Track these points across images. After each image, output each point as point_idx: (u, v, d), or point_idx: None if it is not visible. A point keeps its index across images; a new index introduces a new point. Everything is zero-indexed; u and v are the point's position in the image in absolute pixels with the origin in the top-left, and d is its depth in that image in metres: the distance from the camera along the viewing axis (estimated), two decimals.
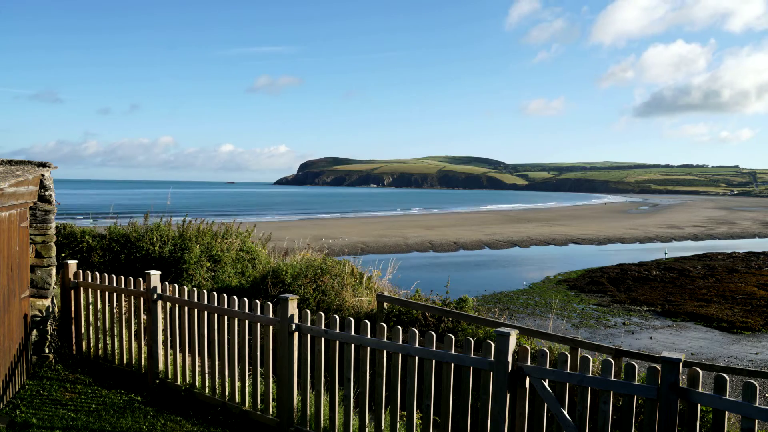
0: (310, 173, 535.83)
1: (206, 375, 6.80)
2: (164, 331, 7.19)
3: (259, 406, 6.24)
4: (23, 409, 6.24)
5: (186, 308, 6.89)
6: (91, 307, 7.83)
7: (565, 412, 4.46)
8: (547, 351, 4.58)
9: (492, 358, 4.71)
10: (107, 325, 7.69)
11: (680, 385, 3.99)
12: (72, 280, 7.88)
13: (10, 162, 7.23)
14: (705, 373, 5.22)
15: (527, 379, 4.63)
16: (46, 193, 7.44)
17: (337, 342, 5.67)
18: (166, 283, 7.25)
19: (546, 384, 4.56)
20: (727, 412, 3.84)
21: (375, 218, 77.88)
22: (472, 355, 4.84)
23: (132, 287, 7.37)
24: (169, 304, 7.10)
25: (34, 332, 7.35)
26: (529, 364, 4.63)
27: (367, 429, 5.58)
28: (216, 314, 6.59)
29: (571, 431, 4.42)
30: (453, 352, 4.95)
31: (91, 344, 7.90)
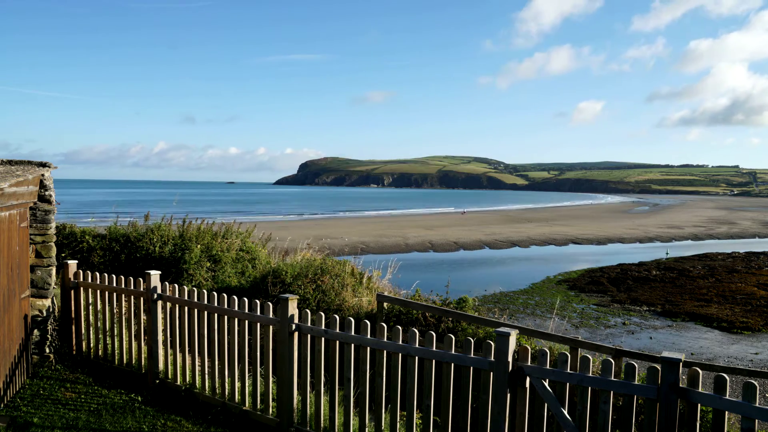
0: (310, 173, 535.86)
1: (206, 375, 6.80)
2: (164, 331, 7.19)
3: (259, 406, 6.24)
4: (24, 408, 6.24)
5: (186, 308, 6.89)
6: (91, 307, 7.83)
7: (566, 412, 4.46)
8: (548, 351, 4.58)
9: (492, 358, 4.71)
10: (107, 325, 7.69)
11: (680, 385, 3.99)
12: (72, 280, 7.88)
13: (10, 162, 7.23)
14: (705, 373, 5.22)
15: (527, 379, 4.64)
16: (46, 193, 7.44)
17: (337, 342, 5.67)
18: (166, 283, 7.25)
19: (546, 384, 4.56)
20: (727, 412, 3.84)
21: (375, 218, 77.88)
22: (472, 355, 4.84)
23: (132, 287, 7.37)
24: (169, 304, 7.10)
25: (35, 332, 7.35)
26: (529, 364, 4.63)
27: (367, 429, 5.58)
28: (216, 314, 6.59)
29: (572, 431, 4.42)
30: (453, 352, 4.95)
31: (92, 344, 7.90)
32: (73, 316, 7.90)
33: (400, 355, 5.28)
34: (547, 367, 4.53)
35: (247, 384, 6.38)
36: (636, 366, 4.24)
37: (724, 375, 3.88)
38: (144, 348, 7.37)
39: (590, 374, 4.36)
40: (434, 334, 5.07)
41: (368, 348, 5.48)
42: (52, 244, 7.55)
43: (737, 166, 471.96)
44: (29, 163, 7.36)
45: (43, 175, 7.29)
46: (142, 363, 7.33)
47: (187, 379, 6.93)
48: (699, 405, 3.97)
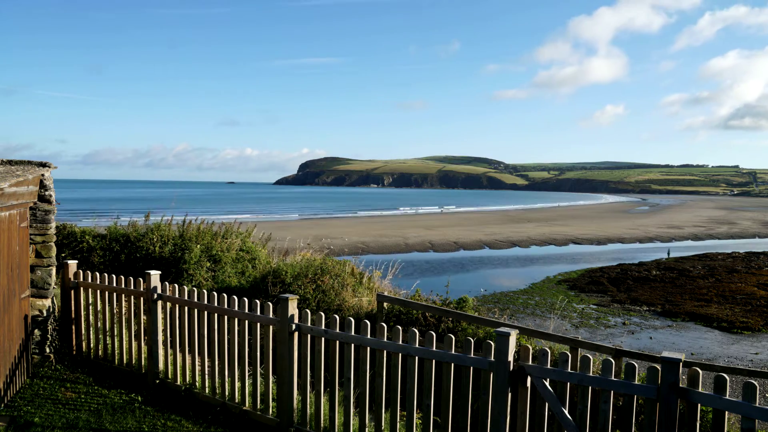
0: (310, 173, 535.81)
1: (206, 375, 6.80)
2: (164, 331, 7.19)
3: (259, 406, 6.24)
4: (24, 408, 6.24)
5: (186, 308, 6.89)
6: (91, 307, 7.83)
7: (566, 412, 4.46)
8: (548, 351, 4.58)
9: (492, 358, 4.71)
10: (107, 325, 7.69)
11: (680, 385, 3.99)
12: (72, 280, 7.88)
13: (10, 162, 7.23)
14: (705, 373, 5.22)
15: (528, 378, 4.64)
16: (46, 193, 7.44)
17: (337, 342, 5.67)
18: (166, 283, 7.25)
19: (547, 383, 4.56)
20: (727, 412, 3.84)
21: (375, 218, 77.88)
22: (472, 355, 4.84)
23: (132, 287, 7.37)
24: (169, 304, 7.10)
25: (35, 332, 7.35)
26: (530, 363, 4.63)
27: (367, 429, 5.58)
28: (216, 314, 6.59)
29: (572, 431, 4.42)
30: (453, 352, 4.95)
31: (92, 344, 7.90)
32: (73, 316, 7.90)
33: (400, 355, 5.28)
34: (548, 366, 4.53)
35: (247, 384, 6.38)
36: (636, 366, 4.24)
37: (724, 375, 3.88)
38: (144, 348, 7.37)
39: (591, 374, 4.36)
40: (434, 334, 5.07)
41: (368, 348, 5.48)
42: (52, 244, 7.55)
43: (737, 166, 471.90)
44: (29, 163, 7.35)
45: (43, 175, 7.29)
46: (142, 363, 7.33)
47: (187, 379, 6.93)
48: (699, 405, 3.97)
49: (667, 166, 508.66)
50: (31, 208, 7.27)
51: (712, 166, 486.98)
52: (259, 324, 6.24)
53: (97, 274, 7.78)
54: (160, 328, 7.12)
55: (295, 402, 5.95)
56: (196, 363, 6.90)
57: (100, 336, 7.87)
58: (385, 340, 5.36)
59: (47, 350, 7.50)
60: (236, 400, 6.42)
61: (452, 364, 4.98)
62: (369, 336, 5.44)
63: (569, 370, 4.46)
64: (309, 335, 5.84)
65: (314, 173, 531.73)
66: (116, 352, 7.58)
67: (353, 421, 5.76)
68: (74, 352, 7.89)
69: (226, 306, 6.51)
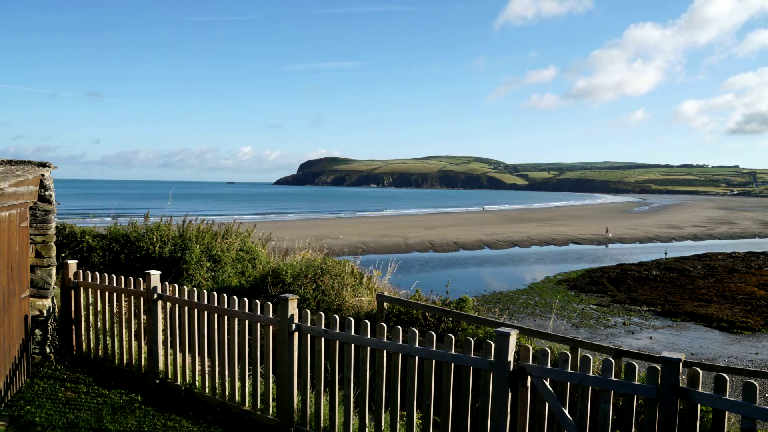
0: (310, 173, 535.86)
1: (206, 375, 6.80)
2: (164, 331, 7.19)
3: (259, 406, 6.24)
4: (25, 408, 6.24)
5: (186, 308, 6.89)
6: (91, 307, 7.83)
7: (566, 412, 4.46)
8: (548, 350, 4.58)
9: (492, 358, 4.71)
10: (107, 325, 7.69)
11: (680, 385, 3.99)
12: (72, 280, 7.88)
13: (10, 162, 7.23)
14: (705, 373, 5.22)
15: (528, 378, 4.64)
16: (46, 193, 7.44)
17: (337, 342, 5.67)
18: (166, 283, 7.25)
19: (547, 383, 4.57)
20: (727, 412, 3.84)
21: (375, 218, 77.88)
22: (472, 355, 4.84)
23: (132, 287, 7.37)
24: (169, 304, 7.10)
25: (35, 332, 7.35)
26: (530, 363, 4.63)
27: (367, 429, 5.58)
28: (216, 314, 6.59)
29: (572, 431, 4.42)
30: (453, 352, 4.95)
31: (92, 344, 7.90)
32: (73, 316, 7.90)
33: (400, 355, 5.28)
34: (548, 366, 4.53)
35: (247, 384, 6.38)
36: (636, 366, 4.24)
37: (724, 375, 3.87)
38: (144, 348, 7.37)
39: (591, 374, 4.36)
40: (434, 334, 5.07)
41: (368, 348, 5.48)
42: (52, 244, 7.55)
43: (737, 166, 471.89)
44: (29, 163, 7.35)
45: (43, 175, 7.29)
46: (142, 363, 7.33)
47: (187, 379, 6.93)
48: (699, 405, 3.97)
49: (667, 166, 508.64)
50: (31, 208, 7.27)
51: (712, 166, 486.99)
52: (259, 324, 6.24)
53: (97, 274, 7.78)
54: (160, 328, 7.12)
55: (295, 402, 5.95)
56: (196, 363, 6.90)
57: (100, 336, 7.88)
58: (385, 340, 5.36)
59: (47, 350, 7.50)
60: (236, 400, 6.42)
61: (452, 364, 4.98)
62: (369, 336, 5.44)
63: (569, 370, 4.46)
64: (309, 335, 5.84)
65: (314, 173, 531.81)
66: (116, 352, 7.58)
67: (353, 421, 5.76)
68: (74, 352, 7.89)
69: (226, 306, 6.51)
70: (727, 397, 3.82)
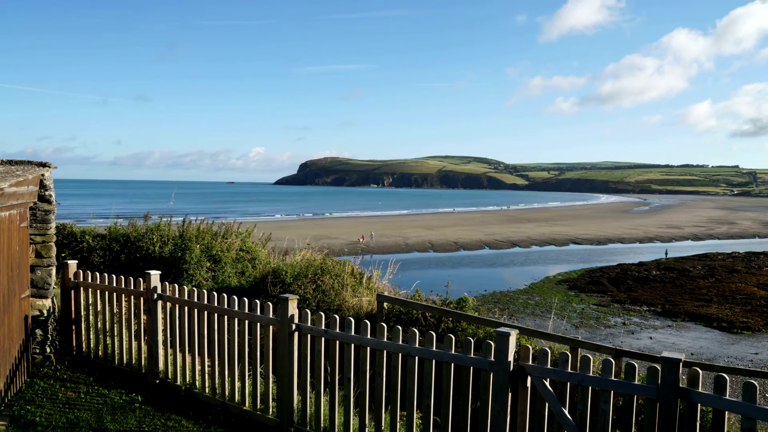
0: (310, 173, 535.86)
1: (206, 375, 6.79)
2: (164, 331, 7.19)
3: (259, 406, 6.24)
4: (25, 408, 6.24)
5: (186, 308, 6.89)
6: (91, 307, 7.83)
7: (566, 412, 4.46)
8: (548, 350, 4.58)
9: (492, 358, 4.71)
10: (107, 325, 7.69)
11: (680, 385, 3.99)
12: (72, 280, 7.88)
13: (10, 162, 7.23)
14: (705, 373, 5.22)
15: (528, 378, 4.64)
16: (46, 193, 7.44)
17: (337, 342, 5.67)
18: (166, 283, 7.25)
19: (547, 383, 4.56)
20: (727, 412, 3.84)
21: (375, 218, 77.87)
22: (472, 355, 4.84)
23: (132, 287, 7.37)
24: (169, 304, 7.10)
25: (36, 332, 7.35)
26: (530, 363, 4.63)
27: (367, 429, 5.58)
28: (216, 314, 6.59)
29: (572, 431, 4.42)
30: (453, 352, 4.95)
31: (92, 344, 7.90)
32: (73, 316, 7.90)
33: (400, 355, 5.28)
34: (548, 366, 4.53)
35: (247, 384, 6.38)
36: (636, 366, 4.24)
37: (724, 375, 3.87)
38: (144, 348, 7.37)
39: (591, 374, 4.36)
40: (434, 334, 5.07)
41: (368, 348, 5.48)
42: (52, 244, 7.55)
43: (737, 166, 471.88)
44: (29, 163, 7.35)
45: (43, 175, 7.29)
46: (142, 363, 7.33)
47: (187, 379, 6.93)
48: (699, 405, 3.97)
49: (667, 166, 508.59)
50: (31, 208, 7.27)
51: (712, 166, 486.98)
52: (259, 324, 6.24)
53: (97, 274, 7.78)
54: (160, 328, 7.12)
55: (295, 402, 5.95)
56: (196, 363, 6.90)
57: (100, 336, 7.87)
58: (385, 340, 5.36)
59: (47, 350, 7.50)
60: (236, 400, 6.42)
61: (452, 364, 4.98)
62: (369, 336, 5.44)
63: (569, 370, 4.46)
64: (309, 335, 5.84)
65: (314, 173, 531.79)
66: (116, 352, 7.58)
67: (353, 421, 5.76)
68: (74, 352, 7.89)
69: (226, 306, 6.51)
70: (727, 397, 3.82)
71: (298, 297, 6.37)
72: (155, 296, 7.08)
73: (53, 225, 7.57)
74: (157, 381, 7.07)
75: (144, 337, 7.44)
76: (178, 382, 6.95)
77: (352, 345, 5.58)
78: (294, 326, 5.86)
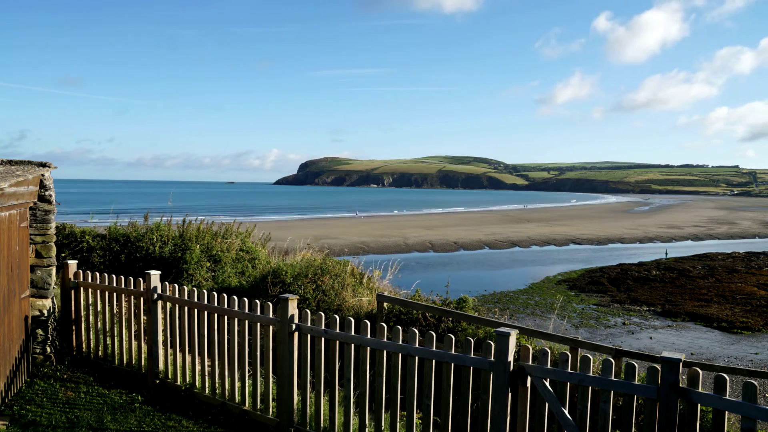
0: (310, 173, 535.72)
1: (206, 375, 6.80)
2: (164, 331, 7.19)
3: (259, 406, 6.24)
4: (25, 408, 6.24)
5: (186, 308, 6.89)
6: (91, 307, 7.83)
7: (566, 412, 4.46)
8: (548, 351, 4.58)
9: (492, 358, 4.71)
10: (107, 325, 7.69)
11: (680, 385, 3.99)
12: (72, 280, 7.88)
13: (10, 162, 7.23)
14: (705, 373, 5.23)
15: (528, 378, 4.64)
16: (46, 193, 7.44)
17: (337, 342, 5.67)
18: (166, 283, 7.25)
19: (547, 383, 4.57)
20: (727, 412, 3.84)
21: (375, 218, 77.91)
22: (472, 355, 4.84)
23: (132, 287, 7.37)
24: (169, 304, 7.10)
25: (36, 332, 7.35)
26: (530, 363, 4.63)
27: (367, 429, 5.58)
28: (216, 314, 6.59)
29: (572, 431, 4.42)
30: (453, 352, 4.95)
31: (92, 344, 7.90)
32: (73, 316, 7.90)
33: (400, 355, 5.28)
34: (548, 366, 4.53)
35: (247, 384, 6.38)
36: (636, 366, 4.24)
37: (724, 375, 3.87)
38: (144, 348, 7.37)
39: (591, 374, 4.36)
40: (434, 334, 5.07)
41: (368, 348, 5.48)
42: (52, 244, 7.55)
43: (737, 166, 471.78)
44: (29, 163, 7.36)
45: (43, 175, 7.29)
46: (143, 363, 7.33)
47: (187, 379, 6.93)
48: (699, 405, 3.97)
49: (667, 166, 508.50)
50: (31, 208, 7.27)
51: (712, 166, 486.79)
52: (259, 324, 6.24)
53: (97, 274, 7.78)
54: (160, 328, 7.12)
55: (295, 402, 5.95)
56: (196, 363, 6.90)
57: (100, 336, 7.88)
58: (385, 340, 5.36)
59: (48, 350, 7.51)
60: (236, 400, 6.42)
61: (452, 364, 4.98)
62: (369, 336, 5.44)
63: (569, 370, 4.46)
64: (309, 335, 5.84)
65: (314, 173, 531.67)
66: (116, 352, 7.58)
67: (353, 421, 5.76)
68: (74, 352, 7.89)
69: (226, 306, 6.51)
70: (727, 397, 3.82)
71: (298, 297, 6.37)
72: (155, 296, 7.08)
73: (53, 225, 7.58)
74: (157, 381, 7.07)
75: (144, 337, 7.45)
76: (178, 382, 6.95)
77: (352, 345, 5.58)
78: (294, 326, 5.87)
